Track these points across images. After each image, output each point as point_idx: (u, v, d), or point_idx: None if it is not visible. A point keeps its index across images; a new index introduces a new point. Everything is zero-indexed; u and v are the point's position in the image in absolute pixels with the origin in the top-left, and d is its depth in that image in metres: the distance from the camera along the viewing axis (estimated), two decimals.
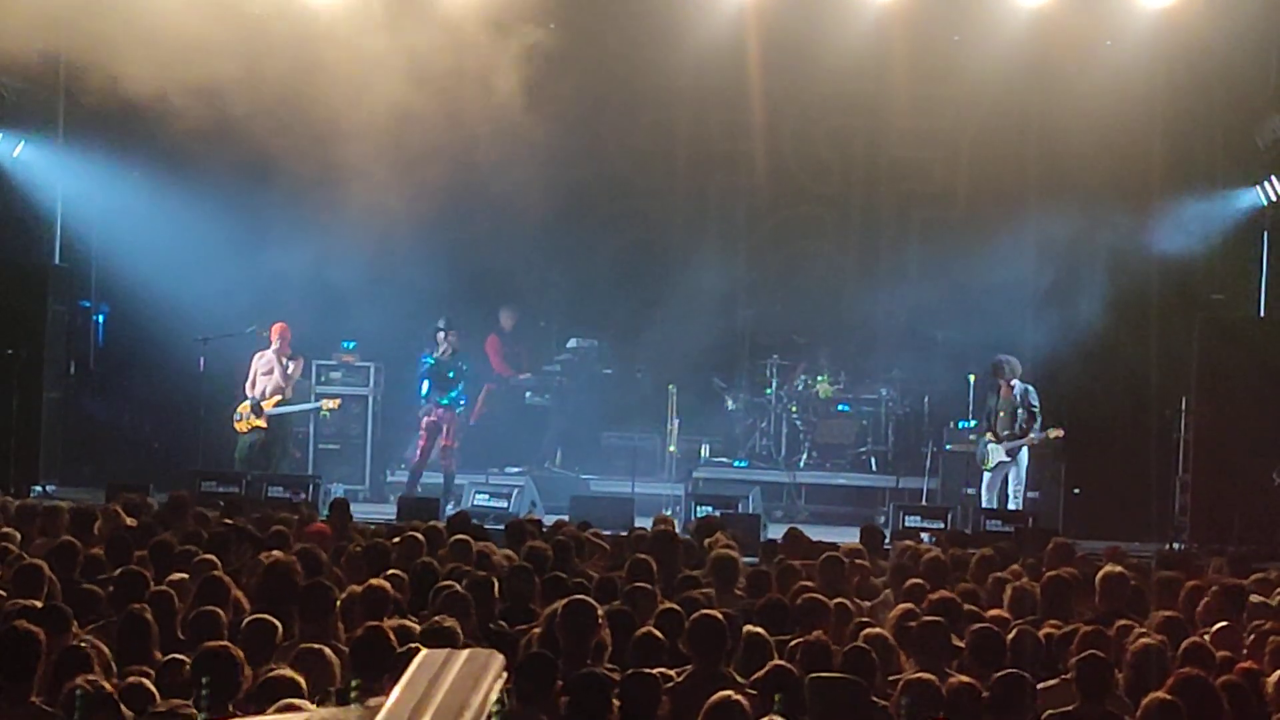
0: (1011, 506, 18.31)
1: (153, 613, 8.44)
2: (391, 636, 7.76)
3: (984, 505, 18.37)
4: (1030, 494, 19.11)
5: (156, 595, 8.89)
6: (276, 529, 11.94)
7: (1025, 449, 18.57)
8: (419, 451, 19.39)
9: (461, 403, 19.51)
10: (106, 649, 7.83)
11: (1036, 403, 18.52)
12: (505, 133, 20.72)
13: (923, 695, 7.41)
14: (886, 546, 14.01)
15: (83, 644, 7.70)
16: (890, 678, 8.17)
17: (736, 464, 21.01)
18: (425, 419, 19.29)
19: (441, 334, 19.28)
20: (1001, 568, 11.60)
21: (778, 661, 8.00)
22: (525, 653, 7.85)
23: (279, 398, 19.32)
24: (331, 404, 19.74)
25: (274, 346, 19.30)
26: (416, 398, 19.51)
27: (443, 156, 20.97)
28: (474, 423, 20.69)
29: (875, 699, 7.79)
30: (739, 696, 6.79)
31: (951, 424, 20.01)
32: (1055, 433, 18.53)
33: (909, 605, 9.79)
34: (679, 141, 21.53)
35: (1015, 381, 18.59)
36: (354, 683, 6.75)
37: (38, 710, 7.07)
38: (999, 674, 7.69)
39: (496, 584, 9.68)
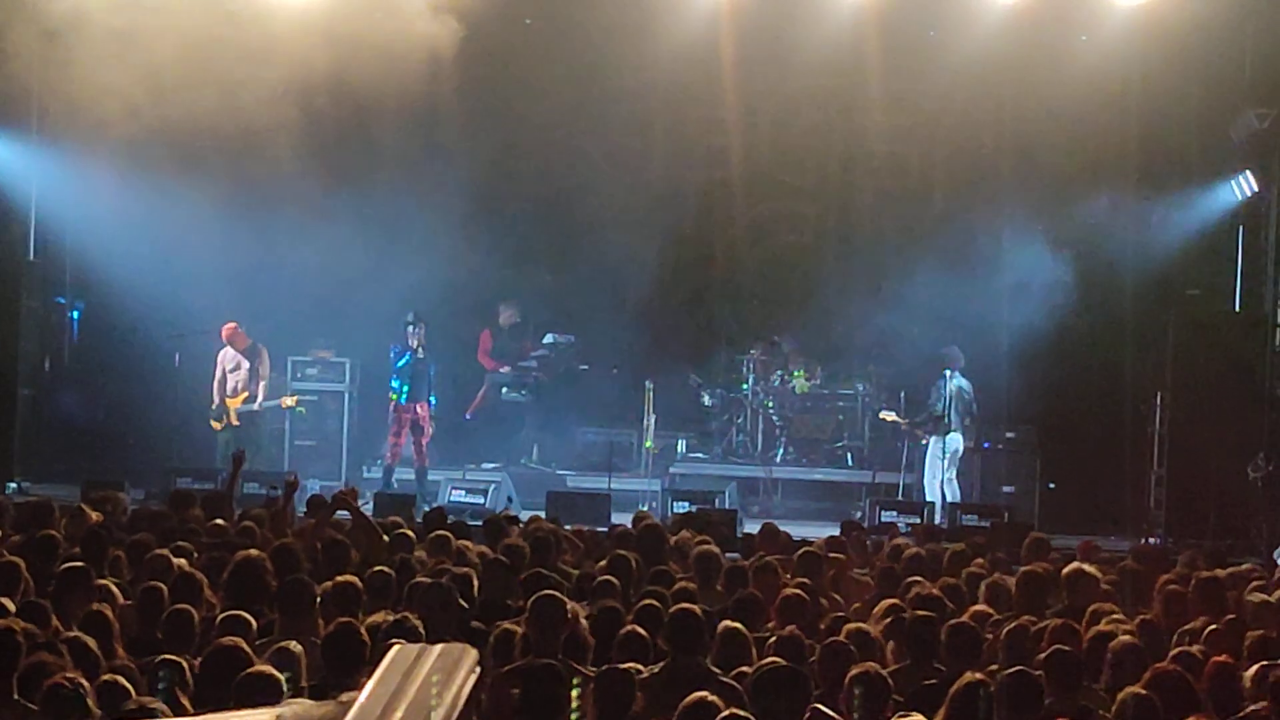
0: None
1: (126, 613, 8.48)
2: (363, 632, 7.78)
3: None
4: (1005, 488, 19.35)
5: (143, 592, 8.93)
6: (246, 524, 11.95)
7: (933, 440, 19.23)
8: (394, 448, 19.38)
9: (433, 400, 19.56)
10: (96, 646, 7.85)
11: (934, 393, 19.19)
12: (480, 127, 20.77)
13: (872, 687, 7.43)
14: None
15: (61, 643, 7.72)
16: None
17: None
18: (405, 416, 19.27)
19: (412, 328, 19.27)
20: (971, 562, 11.67)
21: (772, 659, 8.02)
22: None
23: (245, 395, 19.36)
24: (289, 400, 19.70)
25: (229, 345, 19.35)
26: (388, 392, 19.46)
27: (416, 151, 21.03)
28: (470, 417, 20.78)
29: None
30: (714, 697, 6.80)
31: (913, 419, 20.06)
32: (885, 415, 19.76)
33: (895, 600, 9.85)
34: (655, 137, 21.56)
35: (946, 372, 19.07)
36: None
37: (21, 708, 7.07)
38: (1010, 670, 7.66)
39: (475, 580, 9.69)
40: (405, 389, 19.24)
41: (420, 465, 19.37)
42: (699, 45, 20.27)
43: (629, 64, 20.40)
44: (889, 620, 9.31)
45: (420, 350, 19.25)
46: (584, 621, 8.38)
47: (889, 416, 19.84)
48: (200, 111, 18.00)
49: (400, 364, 19.26)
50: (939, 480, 19.09)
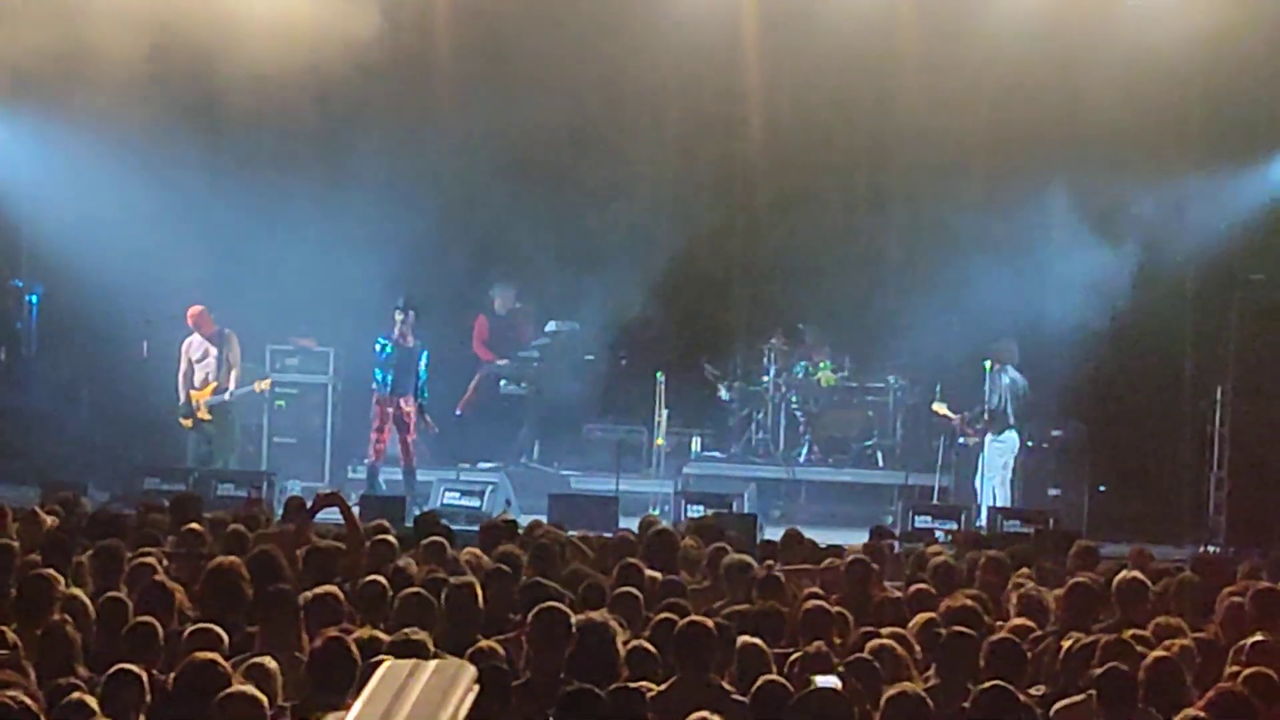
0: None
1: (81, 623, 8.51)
2: (354, 648, 7.80)
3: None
4: (1051, 491, 19.36)
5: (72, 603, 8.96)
6: (234, 528, 11.99)
7: (987, 439, 19.40)
8: (378, 445, 19.35)
9: (425, 394, 19.49)
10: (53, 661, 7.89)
11: (987, 387, 19.42)
12: (475, 96, 20.75)
13: (910, 709, 7.47)
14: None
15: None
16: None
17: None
18: (390, 410, 19.23)
19: (400, 314, 19.18)
20: (1015, 572, 11.68)
21: (771, 676, 8.06)
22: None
23: (214, 385, 19.36)
24: (263, 384, 19.71)
25: (196, 333, 19.36)
26: (372, 386, 19.43)
27: (408, 119, 21.02)
28: (460, 413, 20.78)
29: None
30: (716, 718, 6.84)
31: (966, 414, 20.07)
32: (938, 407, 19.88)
33: (928, 615, 9.86)
34: (668, 106, 21.47)
35: (986, 363, 19.40)
36: None
37: None
38: (983, 686, 7.75)
39: (480, 592, 9.70)
40: (389, 380, 19.19)
41: (407, 464, 19.36)
42: (716, 7, 20.26)
43: (639, 26, 20.39)
44: (923, 636, 9.33)
45: (409, 339, 19.18)
46: (620, 645, 8.38)
47: (941, 409, 19.79)
48: (172, 83, 18.02)
49: (384, 354, 19.19)
50: (994, 482, 19.16)
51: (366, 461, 19.61)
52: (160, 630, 8.43)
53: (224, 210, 19.64)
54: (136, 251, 19.37)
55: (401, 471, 19.42)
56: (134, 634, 8.38)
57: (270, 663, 7.73)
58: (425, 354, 19.38)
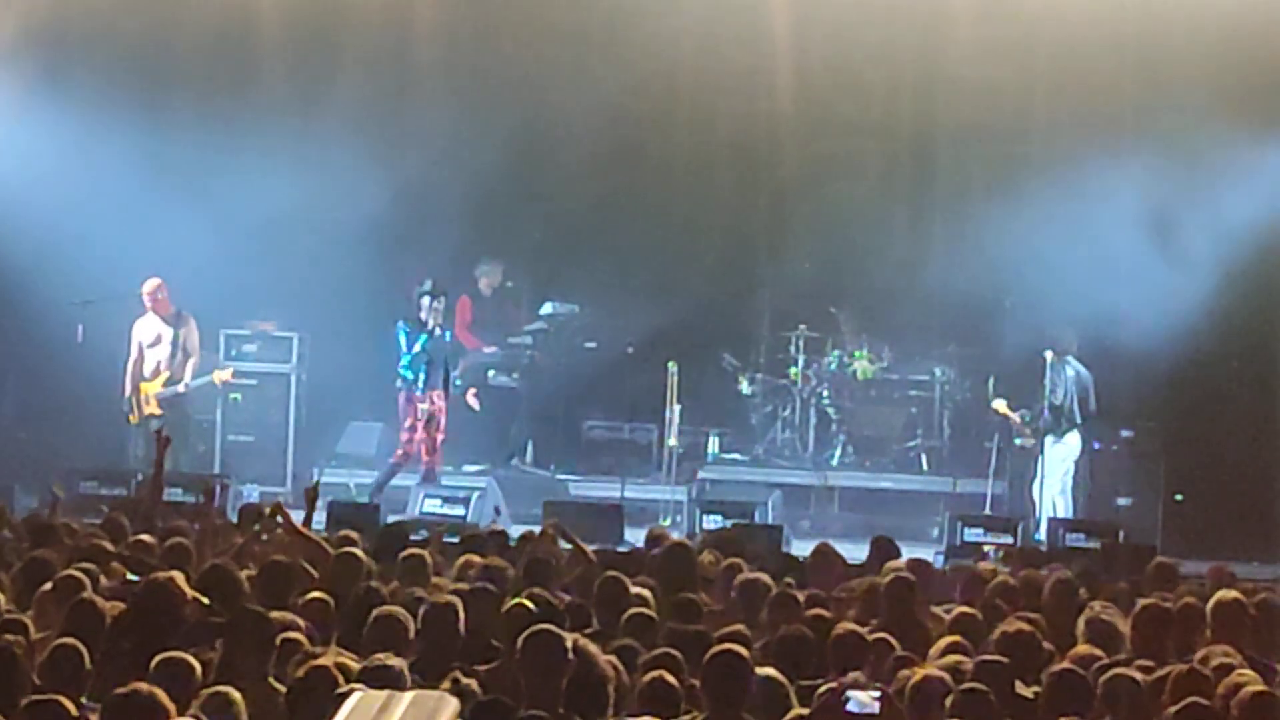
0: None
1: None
2: (338, 675, 7.85)
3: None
4: (1120, 501, 19.37)
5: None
6: (176, 541, 12.01)
7: (1047, 442, 19.44)
8: (407, 449, 19.30)
9: (458, 382, 19.64)
10: None
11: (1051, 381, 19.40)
12: (462, 46, 20.75)
13: None
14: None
15: None
16: None
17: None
18: (422, 406, 19.16)
19: (428, 299, 19.14)
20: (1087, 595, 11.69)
21: (799, 711, 8.09)
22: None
23: (166, 375, 19.34)
24: (224, 375, 19.70)
25: (150, 311, 19.31)
26: (396, 383, 19.40)
27: (385, 75, 21.02)
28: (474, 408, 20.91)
29: None
30: None
31: (1023, 412, 20.08)
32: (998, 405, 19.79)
33: (959, 640, 9.89)
34: (682, 57, 21.47)
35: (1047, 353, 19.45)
36: None
37: None
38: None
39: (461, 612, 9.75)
40: (423, 375, 19.11)
41: (430, 466, 19.32)
42: None
43: None
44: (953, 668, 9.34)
45: (438, 329, 19.15)
46: (604, 662, 8.44)
47: (1001, 407, 19.75)
48: (116, 24, 18.02)
49: (416, 345, 19.07)
50: (1055, 490, 19.19)
51: (392, 462, 19.53)
52: (85, 655, 8.43)
53: (172, 173, 19.62)
54: (70, 220, 19.37)
55: (420, 474, 19.40)
56: (53, 659, 8.39)
57: (234, 693, 7.78)
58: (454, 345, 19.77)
